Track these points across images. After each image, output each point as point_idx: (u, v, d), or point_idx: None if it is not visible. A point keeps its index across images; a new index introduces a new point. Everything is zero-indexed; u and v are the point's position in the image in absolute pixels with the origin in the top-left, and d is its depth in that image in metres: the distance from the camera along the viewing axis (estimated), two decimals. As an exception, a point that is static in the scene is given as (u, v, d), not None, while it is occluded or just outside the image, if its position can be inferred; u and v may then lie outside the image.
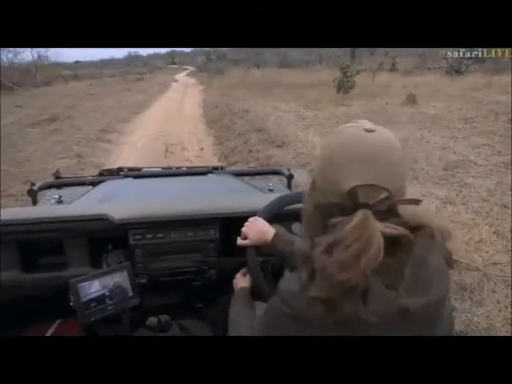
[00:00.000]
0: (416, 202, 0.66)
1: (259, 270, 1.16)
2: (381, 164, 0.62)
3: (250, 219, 1.16)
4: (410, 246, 0.62)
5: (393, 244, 0.61)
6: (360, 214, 0.60)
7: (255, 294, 1.15)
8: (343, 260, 0.58)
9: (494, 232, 3.30)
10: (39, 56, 28.69)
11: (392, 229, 0.61)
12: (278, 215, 1.20)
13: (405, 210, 0.64)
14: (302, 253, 0.67)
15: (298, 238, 1.09)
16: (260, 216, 1.17)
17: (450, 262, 0.68)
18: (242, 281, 1.18)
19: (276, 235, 1.10)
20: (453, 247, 0.70)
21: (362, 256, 0.58)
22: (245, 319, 1.01)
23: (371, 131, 0.64)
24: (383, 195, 0.62)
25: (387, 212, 0.62)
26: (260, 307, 1.13)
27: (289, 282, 0.68)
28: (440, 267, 0.66)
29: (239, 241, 1.16)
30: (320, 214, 0.67)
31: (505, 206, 3.82)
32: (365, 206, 0.61)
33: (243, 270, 1.21)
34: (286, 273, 0.75)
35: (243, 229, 1.15)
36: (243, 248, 1.16)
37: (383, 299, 0.60)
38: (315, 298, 0.59)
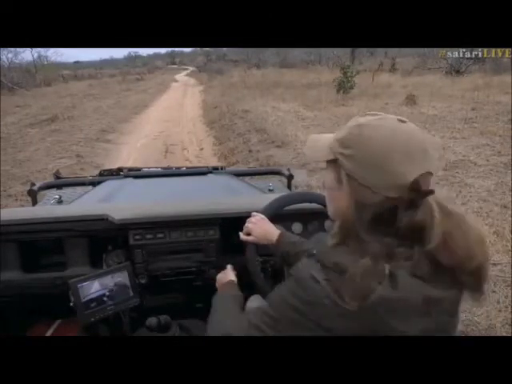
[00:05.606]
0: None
1: (259, 269, 1.16)
2: (429, 151, 0.64)
3: (254, 216, 1.15)
4: None
5: None
6: (434, 201, 0.62)
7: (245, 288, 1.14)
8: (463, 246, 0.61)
9: (494, 232, 3.29)
10: (39, 56, 28.80)
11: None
12: (278, 215, 1.20)
13: None
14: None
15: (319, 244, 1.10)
16: (263, 213, 1.16)
17: None
18: (229, 274, 1.11)
19: (281, 236, 1.10)
20: None
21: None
22: (233, 307, 0.93)
23: (404, 121, 0.66)
24: (431, 179, 0.64)
25: None
26: (257, 301, 1.12)
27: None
28: None
29: (242, 236, 1.14)
30: (366, 212, 0.64)
31: (505, 207, 3.82)
32: (429, 193, 0.62)
33: (229, 267, 1.16)
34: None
35: (247, 225, 1.14)
36: (243, 247, 1.16)
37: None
38: None
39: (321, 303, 0.61)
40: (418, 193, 0.61)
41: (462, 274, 0.61)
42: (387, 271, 0.59)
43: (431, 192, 0.61)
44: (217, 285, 1.11)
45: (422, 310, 0.60)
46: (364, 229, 0.63)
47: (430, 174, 0.63)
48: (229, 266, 1.16)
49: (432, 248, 0.59)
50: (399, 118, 0.66)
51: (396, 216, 0.62)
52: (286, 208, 1.23)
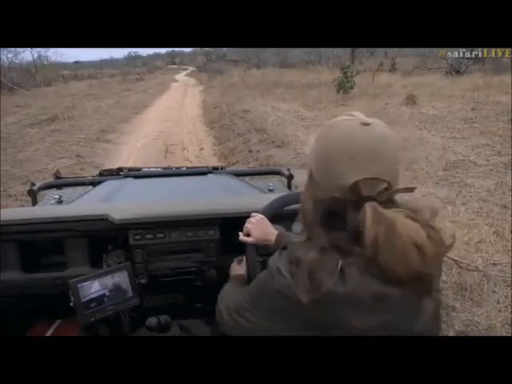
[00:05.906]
0: (411, 189, 0.68)
1: (259, 269, 1.16)
2: (381, 158, 0.63)
3: (253, 216, 1.15)
4: None
5: None
6: (368, 207, 0.61)
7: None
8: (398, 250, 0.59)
9: (494, 232, 3.29)
10: (39, 56, 28.84)
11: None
12: (278, 215, 1.20)
13: (400, 197, 0.67)
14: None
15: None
16: (262, 213, 1.16)
17: None
18: (238, 269, 1.16)
19: (279, 236, 1.09)
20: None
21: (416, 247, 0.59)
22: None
23: (367, 124, 0.65)
24: (383, 186, 0.63)
25: (386, 202, 0.64)
26: None
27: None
28: None
29: (241, 237, 1.13)
30: (320, 208, 0.67)
31: (505, 207, 3.82)
32: (369, 198, 0.62)
33: (238, 258, 1.18)
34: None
35: (246, 225, 1.13)
36: (243, 247, 1.16)
37: None
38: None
39: (285, 293, 0.64)
40: (358, 196, 0.62)
41: (400, 276, 0.60)
42: (339, 266, 0.61)
43: (369, 198, 0.62)
44: (230, 272, 1.15)
45: (372, 305, 0.61)
46: (317, 224, 0.67)
47: (378, 179, 0.62)
48: (237, 258, 1.18)
49: (370, 250, 0.60)
50: (365, 120, 0.65)
51: (346, 215, 0.64)
52: (286, 208, 1.23)
